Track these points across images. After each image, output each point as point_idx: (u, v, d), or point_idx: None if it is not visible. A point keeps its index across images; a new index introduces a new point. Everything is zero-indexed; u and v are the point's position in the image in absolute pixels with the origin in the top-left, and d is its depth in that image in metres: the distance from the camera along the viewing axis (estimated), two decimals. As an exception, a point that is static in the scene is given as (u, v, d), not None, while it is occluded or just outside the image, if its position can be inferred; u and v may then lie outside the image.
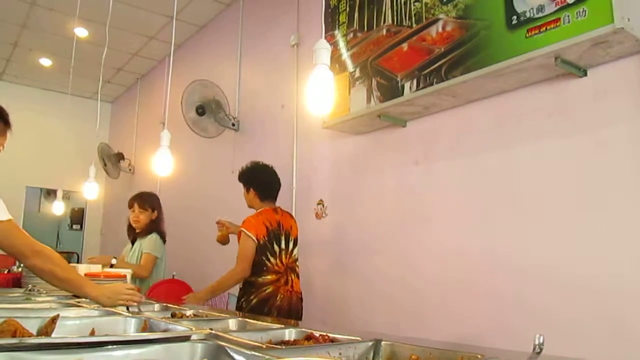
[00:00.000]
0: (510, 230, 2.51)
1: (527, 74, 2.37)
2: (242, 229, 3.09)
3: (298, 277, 3.21)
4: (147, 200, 3.92)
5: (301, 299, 3.20)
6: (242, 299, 3.08)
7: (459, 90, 2.64)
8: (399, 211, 3.16)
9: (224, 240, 3.41)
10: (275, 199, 3.31)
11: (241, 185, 3.33)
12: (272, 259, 3.08)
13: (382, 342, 1.26)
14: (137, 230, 3.84)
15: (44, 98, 7.85)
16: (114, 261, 3.27)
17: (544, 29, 2.17)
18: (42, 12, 5.62)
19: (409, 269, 3.03)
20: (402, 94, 2.85)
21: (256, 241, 3.04)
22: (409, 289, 3.01)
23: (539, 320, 2.31)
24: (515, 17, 2.29)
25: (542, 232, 2.37)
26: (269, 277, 3.07)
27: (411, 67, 2.81)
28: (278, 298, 3.03)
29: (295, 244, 3.23)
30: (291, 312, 3.07)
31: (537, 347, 0.97)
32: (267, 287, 3.05)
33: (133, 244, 3.89)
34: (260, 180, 3.27)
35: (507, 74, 2.38)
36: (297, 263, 3.24)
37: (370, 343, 1.25)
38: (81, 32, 5.95)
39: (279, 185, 3.32)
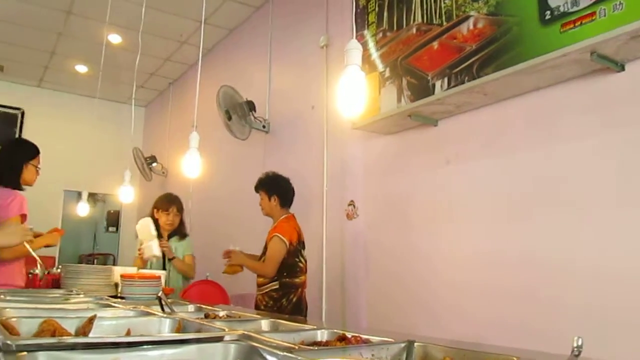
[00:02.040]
0: (547, 229, 2.45)
1: (561, 70, 2.32)
2: (277, 233, 3.29)
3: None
4: (181, 204, 3.93)
5: None
6: (283, 299, 3.29)
7: (491, 88, 2.60)
8: (431, 211, 3.13)
9: (234, 273, 3.40)
10: (290, 206, 3.54)
11: (260, 194, 3.51)
12: (303, 260, 3.38)
13: (415, 343, 1.24)
14: (168, 233, 3.84)
15: (80, 104, 8.04)
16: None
17: (579, 23, 2.11)
18: (77, 21, 5.77)
19: (442, 270, 2.99)
20: (433, 92, 2.82)
21: (288, 245, 3.28)
22: (443, 290, 2.97)
23: (578, 323, 2.26)
24: (548, 11, 2.24)
25: (580, 232, 2.31)
26: (302, 277, 3.38)
27: (442, 65, 2.78)
28: (304, 295, 3.40)
29: (304, 248, 3.49)
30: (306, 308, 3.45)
31: (576, 349, 0.94)
32: (300, 287, 3.36)
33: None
34: (282, 188, 3.49)
35: (541, 70, 2.33)
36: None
37: (403, 344, 1.23)
38: (115, 38, 6.08)
39: (294, 193, 3.56)
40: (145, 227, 3.57)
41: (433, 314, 3.01)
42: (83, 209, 5.79)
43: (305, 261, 3.42)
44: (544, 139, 2.53)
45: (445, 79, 2.75)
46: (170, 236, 3.83)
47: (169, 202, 3.87)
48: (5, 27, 5.96)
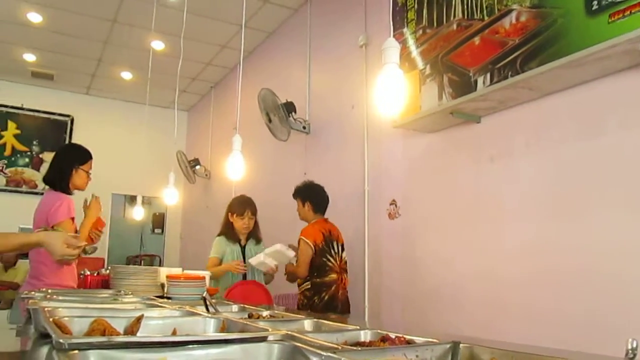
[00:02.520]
0: (596, 228, 2.37)
1: (610, 61, 2.23)
2: (301, 237, 3.58)
3: (347, 276, 3.70)
4: (255, 206, 3.84)
5: (347, 293, 3.71)
6: (315, 297, 3.52)
7: (536, 82, 2.53)
8: (475, 210, 3.07)
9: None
10: (325, 212, 3.77)
11: (296, 201, 3.79)
12: (332, 260, 3.59)
13: (461, 344, 1.22)
14: (244, 236, 3.80)
15: (126, 109, 8.28)
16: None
17: (628, 12, 2.03)
18: (122, 29, 5.94)
19: (486, 269, 2.93)
20: (476, 89, 2.77)
21: (313, 247, 3.53)
22: (487, 290, 2.91)
23: (631, 324, 2.17)
24: (595, 2, 2.16)
25: (631, 231, 2.22)
26: (333, 275, 3.56)
27: (484, 61, 2.73)
28: (340, 294, 3.56)
29: (343, 249, 3.71)
30: (346, 306, 3.64)
31: (630, 352, 0.90)
32: (333, 285, 3.55)
33: (241, 246, 3.81)
34: (314, 195, 3.77)
35: (589, 62, 2.26)
36: (346, 265, 3.71)
37: (448, 345, 1.21)
38: (158, 45, 6.23)
39: (328, 201, 3.80)
40: (279, 254, 3.55)
41: (477, 315, 2.95)
42: (138, 213, 5.92)
43: (339, 260, 3.62)
44: (591, 134, 2.44)
45: (488, 75, 2.70)
46: (257, 239, 3.84)
47: (244, 205, 3.80)
48: (55, 37, 6.20)
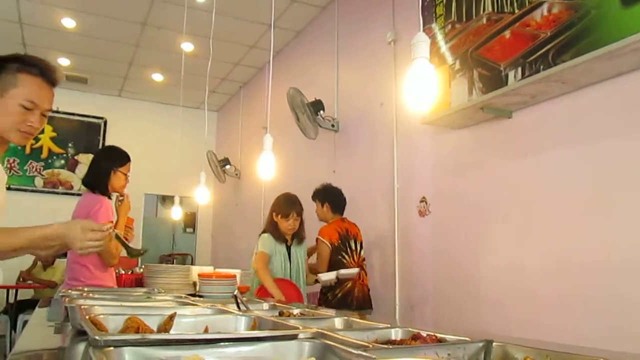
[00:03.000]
0: (631, 226, 2.31)
1: (647, 52, 2.17)
2: (319, 237, 3.75)
3: (366, 273, 3.83)
4: (301, 206, 3.68)
5: (369, 290, 3.81)
6: (328, 293, 3.67)
7: (569, 75, 2.47)
8: (507, 206, 3.02)
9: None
10: (343, 213, 3.93)
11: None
12: (347, 257, 3.72)
13: (494, 343, 1.20)
14: (290, 237, 3.66)
15: (157, 110, 8.41)
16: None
17: (666, 1, 1.97)
18: (152, 31, 6.03)
19: (518, 267, 2.88)
20: (507, 83, 2.72)
21: (330, 245, 3.70)
22: (519, 288, 2.86)
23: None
24: (631, -9, 2.10)
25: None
26: None
27: (515, 54, 2.68)
28: (356, 291, 3.66)
29: (361, 247, 3.84)
30: (365, 302, 3.72)
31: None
32: (348, 282, 3.65)
33: (287, 247, 3.68)
34: (332, 197, 3.94)
35: (624, 54, 2.19)
36: (365, 262, 3.84)
37: (481, 344, 1.19)
38: (187, 46, 6.31)
39: (346, 202, 3.96)
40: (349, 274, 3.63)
41: (511, 312, 2.90)
42: (177, 212, 6.00)
43: (357, 257, 3.77)
44: (627, 128, 2.37)
45: (519, 69, 2.65)
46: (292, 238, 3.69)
47: (289, 206, 3.61)
48: (88, 41, 6.34)
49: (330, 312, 2.02)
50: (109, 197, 3.21)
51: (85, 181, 3.27)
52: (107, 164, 3.22)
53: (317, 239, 3.76)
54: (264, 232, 3.67)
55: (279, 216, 3.58)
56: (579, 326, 2.50)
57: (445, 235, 3.49)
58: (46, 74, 1.79)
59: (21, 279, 6.56)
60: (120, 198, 3.28)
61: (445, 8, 3.24)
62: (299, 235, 3.69)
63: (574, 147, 2.64)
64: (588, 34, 2.28)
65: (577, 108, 2.64)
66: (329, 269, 3.66)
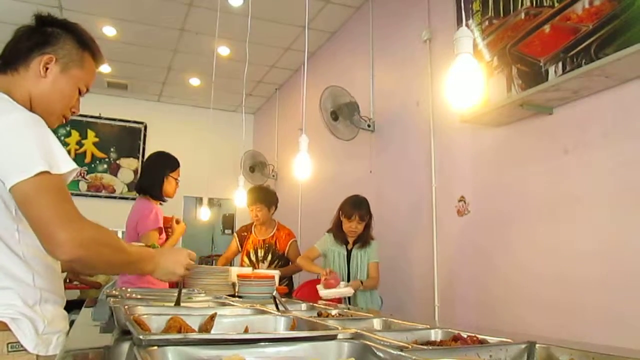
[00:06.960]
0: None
1: (696, 43, 2.09)
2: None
3: None
4: (368, 208, 3.58)
5: None
6: None
7: (613, 69, 2.39)
8: (548, 205, 2.95)
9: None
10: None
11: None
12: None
13: (537, 345, 1.17)
14: (353, 239, 3.61)
15: (195, 114, 8.54)
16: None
17: None
18: (190, 37, 6.14)
19: (561, 267, 2.81)
20: (547, 79, 2.66)
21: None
22: (562, 288, 2.79)
23: None
24: (677, -20, 2.02)
25: None
26: None
27: (555, 49, 2.62)
28: None
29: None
30: None
31: None
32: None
33: (347, 250, 3.63)
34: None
35: (671, 45, 2.11)
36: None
37: (524, 346, 1.17)
38: (224, 50, 6.39)
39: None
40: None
41: (552, 315, 2.83)
42: (205, 213, 6.11)
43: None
44: (677, 122, 2.29)
45: (560, 64, 2.59)
46: (354, 243, 3.62)
47: (353, 208, 3.52)
48: (129, 48, 6.49)
49: (369, 313, 2.02)
50: (163, 201, 3.26)
51: (139, 187, 3.31)
52: (160, 169, 3.26)
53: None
54: (329, 230, 3.69)
55: (343, 216, 3.54)
56: (620, 334, 2.41)
57: (484, 235, 3.43)
58: (99, 61, 1.66)
59: (68, 280, 6.76)
60: (178, 221, 3.33)
61: (482, 4, 3.19)
62: (362, 239, 3.58)
63: (618, 143, 2.56)
64: (632, 26, 2.21)
65: (621, 102, 2.56)
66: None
